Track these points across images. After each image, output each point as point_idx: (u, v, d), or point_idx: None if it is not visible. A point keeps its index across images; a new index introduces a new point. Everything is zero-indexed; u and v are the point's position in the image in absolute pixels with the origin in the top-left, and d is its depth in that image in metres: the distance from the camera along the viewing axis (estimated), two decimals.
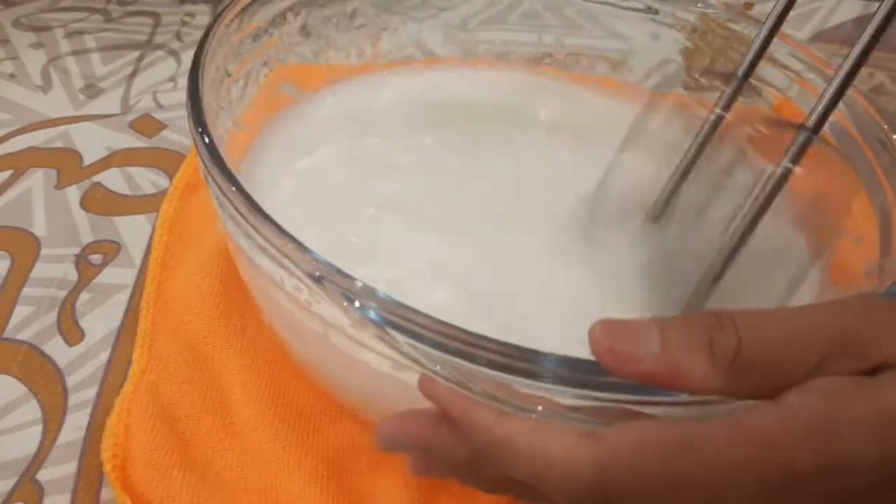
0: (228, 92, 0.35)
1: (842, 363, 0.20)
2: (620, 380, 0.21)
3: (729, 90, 0.33)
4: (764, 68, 0.39)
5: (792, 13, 0.33)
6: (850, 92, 0.34)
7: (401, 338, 0.23)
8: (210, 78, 0.32)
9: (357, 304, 0.23)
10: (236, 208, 0.26)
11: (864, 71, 0.54)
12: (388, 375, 0.25)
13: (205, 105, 0.30)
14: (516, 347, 0.22)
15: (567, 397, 0.22)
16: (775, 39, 0.38)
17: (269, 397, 0.34)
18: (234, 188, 0.26)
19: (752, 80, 0.39)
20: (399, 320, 0.23)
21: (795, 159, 0.28)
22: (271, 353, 0.35)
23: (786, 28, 0.39)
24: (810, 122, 0.28)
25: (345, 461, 0.32)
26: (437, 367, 0.23)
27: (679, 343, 0.21)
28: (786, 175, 0.28)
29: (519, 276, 0.33)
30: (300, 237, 0.24)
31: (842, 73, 0.28)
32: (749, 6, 0.59)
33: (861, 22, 0.60)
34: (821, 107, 0.28)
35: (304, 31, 0.39)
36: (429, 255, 0.34)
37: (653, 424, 0.20)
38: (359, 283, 0.23)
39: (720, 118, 0.32)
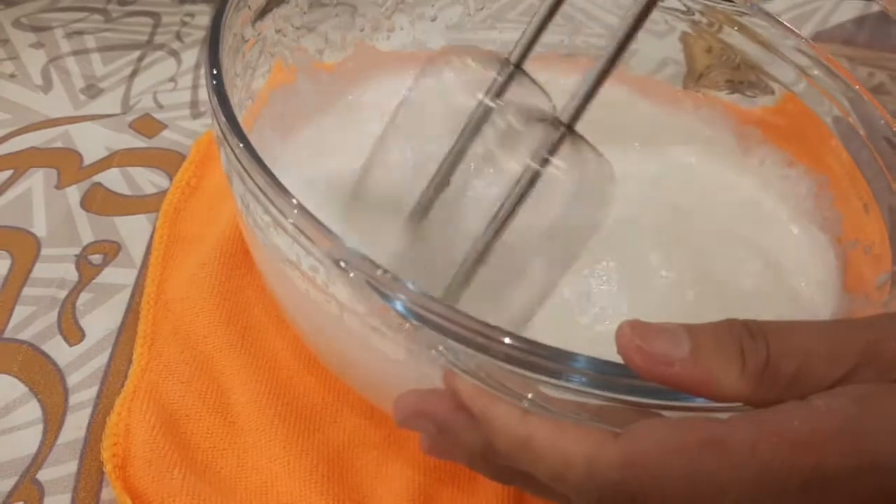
0: (244, 57, 0.34)
1: (869, 375, 0.20)
2: (646, 383, 0.21)
3: (500, 79, 0.31)
4: (770, 63, 0.39)
5: (792, 13, 0.33)
6: (857, 89, 0.34)
7: (425, 330, 0.22)
8: (227, 45, 0.31)
9: (383, 294, 0.23)
10: (258, 186, 0.25)
11: (864, 70, 0.54)
12: (402, 363, 0.25)
13: (225, 77, 0.28)
14: (544, 346, 0.22)
15: (589, 398, 0.22)
16: (781, 33, 0.38)
17: (270, 397, 0.34)
18: (258, 167, 0.25)
19: (760, 75, 0.39)
20: (424, 313, 0.22)
21: (545, 158, 0.27)
22: (272, 352, 0.35)
23: (779, 32, 0.39)
24: (565, 118, 0.27)
25: (345, 461, 0.32)
26: (459, 361, 0.23)
27: (710, 349, 0.21)
28: (537, 173, 0.27)
29: None
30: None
31: (597, 66, 0.26)
32: None
33: (861, 22, 0.60)
34: (575, 102, 0.26)
35: (306, 26, 0.39)
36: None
37: (677, 423, 0.20)
38: (386, 274, 0.22)
39: (488, 109, 0.30)
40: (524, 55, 0.31)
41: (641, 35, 0.40)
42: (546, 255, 0.30)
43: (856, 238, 0.34)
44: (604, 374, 0.21)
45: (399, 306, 0.23)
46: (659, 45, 0.42)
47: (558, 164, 0.27)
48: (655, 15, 0.41)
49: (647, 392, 0.21)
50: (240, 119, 0.27)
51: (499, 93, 0.31)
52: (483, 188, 0.29)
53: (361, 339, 0.25)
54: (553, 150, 0.27)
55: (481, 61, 0.31)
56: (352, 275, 0.23)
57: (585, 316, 0.33)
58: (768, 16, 0.38)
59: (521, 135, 0.29)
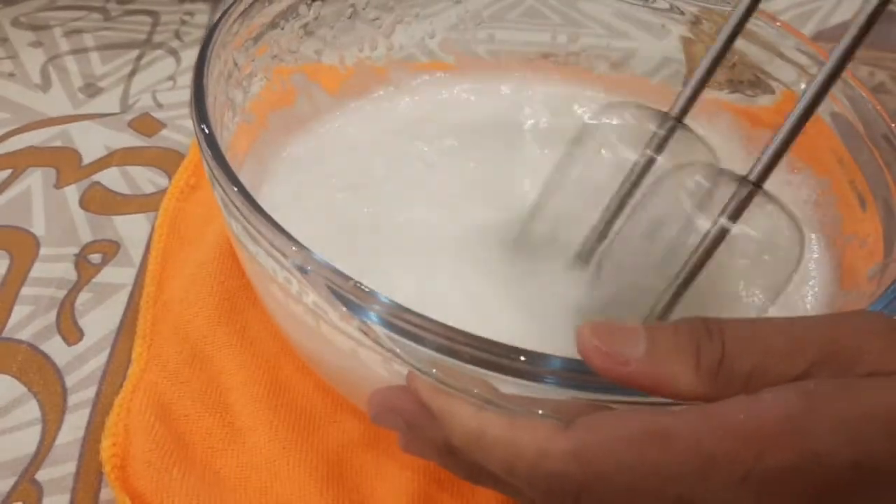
0: (238, 84, 0.35)
1: (826, 373, 0.20)
2: (603, 380, 0.21)
3: (662, 132, 0.31)
4: (771, 63, 0.39)
5: (792, 13, 0.33)
6: (856, 87, 0.34)
7: (381, 330, 0.23)
8: (217, 71, 0.32)
9: (339, 296, 0.24)
10: (231, 200, 0.26)
11: (864, 70, 0.54)
12: (377, 368, 0.26)
13: (208, 97, 0.30)
14: (498, 344, 0.22)
15: (546, 394, 0.22)
16: (781, 34, 0.38)
17: (269, 396, 0.34)
18: (230, 182, 0.26)
19: (760, 76, 0.39)
20: (380, 312, 0.23)
21: (735, 216, 0.27)
22: (271, 352, 0.35)
23: (778, 32, 0.39)
24: (753, 176, 0.27)
25: (345, 460, 0.32)
26: (418, 363, 0.23)
27: (666, 348, 0.21)
28: (723, 233, 0.27)
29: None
30: (302, 232, 0.25)
31: (787, 125, 0.26)
32: None
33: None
34: (765, 159, 0.26)
35: (307, 29, 0.39)
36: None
37: (625, 416, 0.21)
38: (341, 275, 0.23)
39: (652, 160, 0.31)
40: (686, 109, 0.31)
41: (641, 35, 0.40)
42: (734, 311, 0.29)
43: (853, 233, 0.34)
44: (563, 371, 0.22)
45: (353, 308, 0.23)
46: (659, 45, 0.42)
47: (749, 224, 0.27)
48: (653, 17, 0.41)
49: (606, 389, 0.22)
50: (227, 152, 0.28)
51: (660, 147, 0.31)
52: (659, 240, 0.29)
53: (337, 346, 0.26)
54: (741, 208, 0.27)
55: (643, 116, 0.32)
56: (314, 282, 0.24)
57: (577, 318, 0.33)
58: (767, 16, 0.38)
59: (709, 191, 0.28)
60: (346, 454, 0.33)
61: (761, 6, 0.29)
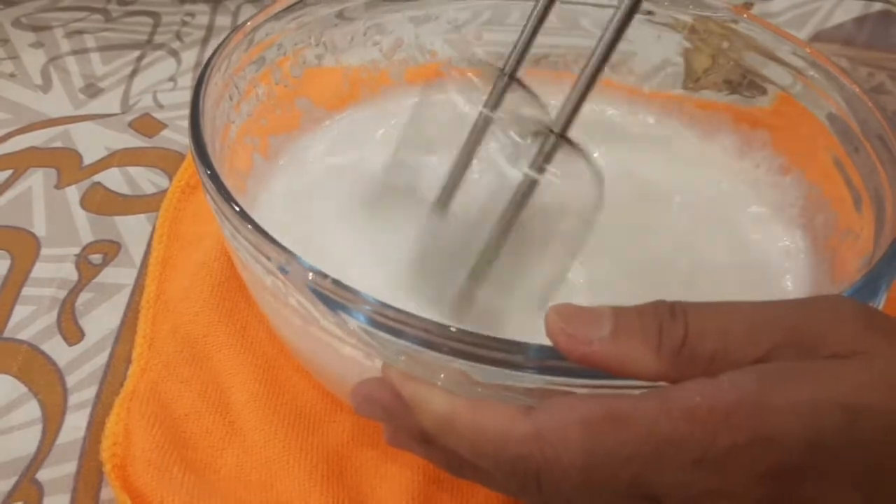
0: (237, 108, 0.36)
1: (789, 356, 0.20)
2: (571, 366, 0.22)
3: (498, 89, 0.33)
4: (766, 66, 0.39)
5: (792, 13, 0.33)
6: (853, 88, 0.34)
7: (355, 324, 0.24)
8: (217, 92, 0.34)
9: (316, 293, 0.24)
10: (216, 204, 0.27)
11: (863, 70, 0.54)
12: (359, 364, 0.26)
13: (204, 110, 0.31)
14: (466, 332, 0.23)
15: (518, 381, 0.23)
16: (777, 37, 0.38)
17: (269, 396, 0.34)
18: (213, 184, 0.28)
19: (754, 78, 0.39)
20: (348, 303, 0.24)
21: (541, 166, 0.29)
22: (271, 351, 0.35)
23: (786, 28, 0.39)
24: (557, 127, 0.28)
25: (345, 459, 0.32)
26: (390, 354, 0.24)
27: (630, 330, 0.21)
28: (533, 182, 0.29)
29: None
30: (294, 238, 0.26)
31: (584, 75, 0.27)
32: (749, 6, 0.59)
33: (861, 22, 0.60)
34: (566, 111, 0.28)
35: (305, 30, 0.39)
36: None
37: (584, 400, 0.21)
38: (314, 270, 0.24)
39: (487, 119, 0.33)
40: (517, 64, 0.33)
41: (640, 36, 0.40)
42: (548, 251, 0.31)
43: (847, 228, 0.34)
44: (534, 358, 0.22)
45: (330, 304, 0.25)
46: (657, 47, 0.42)
47: (553, 171, 0.29)
48: (649, 29, 0.42)
49: (575, 374, 0.22)
50: (223, 177, 0.29)
51: (496, 103, 0.33)
52: (489, 192, 0.31)
53: (324, 345, 0.27)
54: (548, 158, 0.28)
55: (482, 74, 0.34)
56: (293, 279, 0.25)
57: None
58: (762, 21, 0.39)
59: (520, 145, 0.31)
60: (346, 453, 0.33)
61: (756, 10, 0.30)
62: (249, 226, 0.26)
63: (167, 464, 0.31)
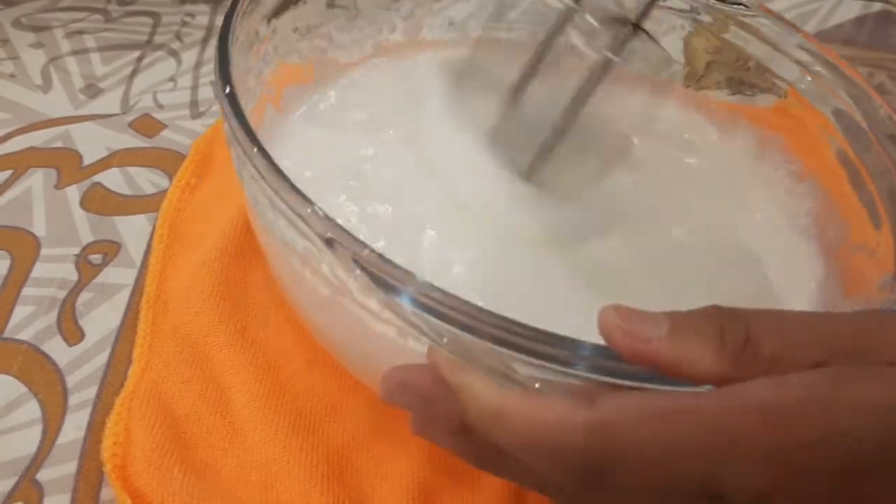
0: (258, 54, 0.35)
1: (848, 364, 0.20)
2: (625, 364, 0.21)
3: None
4: (773, 60, 0.38)
5: (792, 13, 0.33)
6: (860, 85, 0.34)
7: (407, 306, 0.23)
8: (240, 41, 0.32)
9: (364, 269, 0.24)
10: (255, 166, 0.26)
11: (864, 70, 0.54)
12: (394, 342, 0.26)
13: (232, 61, 0.30)
14: (522, 325, 0.22)
15: (567, 378, 0.22)
16: (785, 31, 0.38)
17: (269, 396, 0.34)
18: (254, 147, 0.26)
19: (761, 73, 0.39)
20: (405, 288, 0.23)
21: (616, 49, 0.31)
22: (272, 351, 0.35)
23: (781, 30, 0.39)
24: (633, 17, 0.32)
25: (345, 460, 0.32)
26: (442, 338, 0.23)
27: (688, 329, 0.21)
28: (609, 62, 0.31)
29: None
30: (318, 199, 0.25)
31: None
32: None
33: (861, 22, 0.60)
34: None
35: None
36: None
37: (650, 394, 0.21)
38: (368, 249, 0.23)
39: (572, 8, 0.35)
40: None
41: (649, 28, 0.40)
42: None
43: (861, 242, 0.34)
44: (583, 355, 0.22)
45: (379, 281, 0.24)
46: (663, 42, 0.42)
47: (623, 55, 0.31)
48: (659, 14, 0.41)
49: (624, 374, 0.22)
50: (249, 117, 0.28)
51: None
52: (566, 75, 0.33)
53: (356, 321, 0.26)
54: (624, 42, 0.31)
55: None
56: (338, 254, 0.24)
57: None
58: (771, 13, 0.38)
59: (597, 32, 0.33)
60: (347, 453, 0.33)
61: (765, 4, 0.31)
62: (288, 188, 0.25)
63: (168, 464, 0.31)
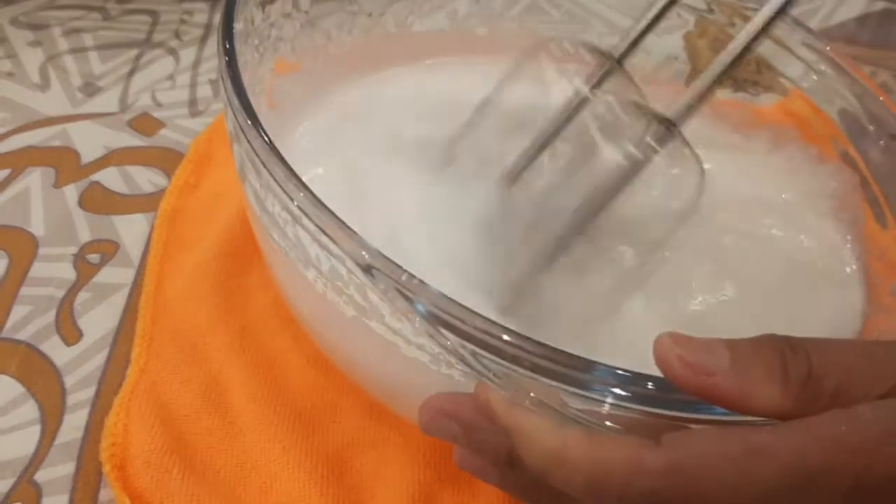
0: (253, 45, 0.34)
1: None
2: (682, 396, 0.20)
3: (601, 71, 0.32)
4: (776, 58, 0.38)
5: (793, 12, 0.32)
6: (865, 84, 0.34)
7: (453, 338, 0.22)
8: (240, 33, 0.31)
9: (409, 300, 0.22)
10: (279, 184, 0.24)
11: (866, 69, 0.54)
12: (427, 369, 0.24)
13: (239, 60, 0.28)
14: (577, 358, 0.21)
15: (624, 411, 0.21)
16: (790, 27, 0.37)
17: (269, 397, 0.33)
18: (281, 166, 0.24)
19: (765, 71, 0.39)
20: (453, 321, 0.22)
21: (648, 152, 0.27)
22: (271, 352, 0.35)
23: (785, 27, 0.38)
24: (672, 114, 0.27)
25: (345, 461, 0.32)
26: (489, 371, 0.22)
27: (750, 361, 0.20)
28: (636, 166, 0.27)
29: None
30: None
31: (713, 69, 0.26)
32: None
33: (863, 20, 0.60)
34: (686, 100, 0.27)
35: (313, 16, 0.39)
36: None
37: (722, 431, 0.20)
38: (413, 279, 0.22)
39: (586, 98, 0.32)
40: (627, 52, 0.32)
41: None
42: (636, 243, 0.30)
43: (870, 244, 0.33)
44: (639, 386, 0.21)
45: (424, 312, 0.22)
46: (661, 42, 0.42)
47: (663, 156, 0.27)
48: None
49: (683, 406, 0.21)
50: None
51: (597, 84, 0.32)
52: (580, 170, 0.30)
53: (384, 344, 0.25)
54: (659, 143, 0.27)
55: (582, 51, 0.33)
56: (377, 280, 0.23)
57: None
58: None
59: (625, 125, 0.29)
60: (347, 454, 0.32)
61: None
62: (318, 210, 0.23)
63: (167, 464, 0.31)
